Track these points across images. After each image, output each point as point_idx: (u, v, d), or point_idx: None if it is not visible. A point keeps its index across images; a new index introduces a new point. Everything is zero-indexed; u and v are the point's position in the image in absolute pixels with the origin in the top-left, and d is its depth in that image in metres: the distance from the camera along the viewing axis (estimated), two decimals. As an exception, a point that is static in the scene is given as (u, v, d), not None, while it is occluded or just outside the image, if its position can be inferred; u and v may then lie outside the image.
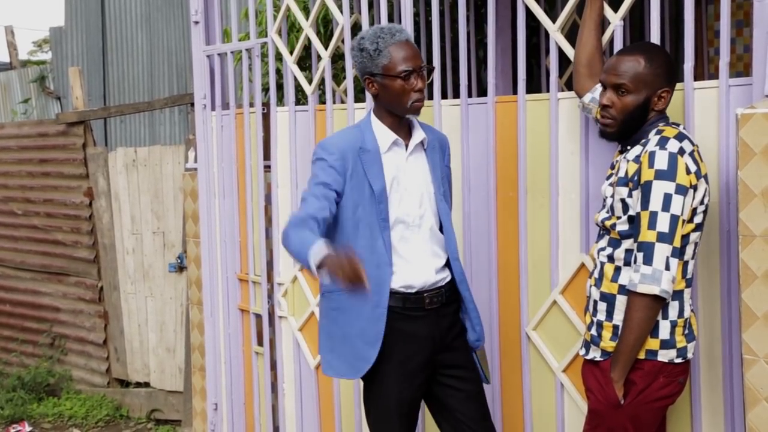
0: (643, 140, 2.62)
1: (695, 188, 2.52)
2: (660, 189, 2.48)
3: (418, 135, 3.01)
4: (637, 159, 2.58)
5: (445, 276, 3.04)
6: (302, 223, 2.77)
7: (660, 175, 2.48)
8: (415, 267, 2.97)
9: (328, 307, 3.03)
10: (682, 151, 2.51)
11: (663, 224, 2.48)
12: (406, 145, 3.00)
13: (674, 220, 2.48)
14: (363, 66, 2.94)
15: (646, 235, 2.50)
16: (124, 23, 9.66)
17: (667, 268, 2.49)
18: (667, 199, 2.48)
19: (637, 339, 2.56)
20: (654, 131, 2.61)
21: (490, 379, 3.22)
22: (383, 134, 2.98)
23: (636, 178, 2.55)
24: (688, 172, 2.50)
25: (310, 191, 2.90)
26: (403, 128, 3.00)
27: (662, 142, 2.52)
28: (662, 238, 2.48)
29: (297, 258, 2.78)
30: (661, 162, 2.49)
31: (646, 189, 2.51)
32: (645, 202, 2.51)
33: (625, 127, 2.68)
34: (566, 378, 3.22)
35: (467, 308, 3.07)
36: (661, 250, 2.49)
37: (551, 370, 3.27)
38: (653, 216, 2.49)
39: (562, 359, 3.23)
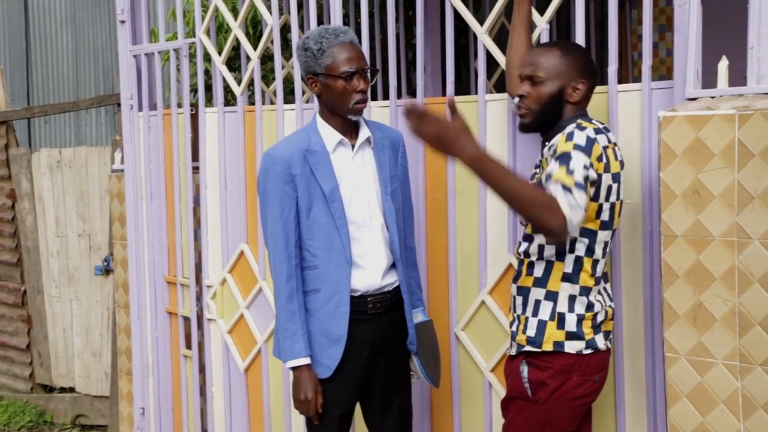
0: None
1: (600, 177, 2.53)
2: (578, 158, 2.45)
3: (364, 134, 3.01)
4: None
5: (393, 281, 3.05)
6: (290, 299, 2.95)
7: (578, 147, 2.47)
8: (363, 269, 2.98)
9: None
10: (597, 141, 2.53)
11: (560, 172, 2.42)
12: (353, 145, 3.00)
13: (570, 170, 2.42)
14: (307, 65, 2.95)
15: (546, 183, 2.44)
16: (48, 22, 9.47)
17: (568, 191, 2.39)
18: (581, 164, 2.44)
19: (509, 189, 2.39)
20: (574, 124, 2.61)
21: (438, 384, 3.22)
22: (329, 135, 2.98)
23: (556, 154, 2.51)
24: (600, 159, 2.51)
25: (272, 231, 2.96)
26: (349, 128, 3.00)
27: (580, 128, 2.54)
28: (557, 178, 2.42)
29: (281, 337, 2.99)
30: (580, 139, 2.50)
31: (564, 156, 2.46)
32: (563, 163, 2.45)
33: (540, 118, 2.70)
34: (494, 378, 3.25)
35: (405, 311, 3.08)
36: (557, 181, 2.41)
37: (480, 370, 3.30)
38: (567, 165, 2.44)
39: (490, 359, 3.26)
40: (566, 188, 2.40)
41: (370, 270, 3.00)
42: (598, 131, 2.58)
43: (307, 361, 2.94)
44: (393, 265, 3.06)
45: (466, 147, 2.42)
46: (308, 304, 2.98)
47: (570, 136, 2.52)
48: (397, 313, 3.07)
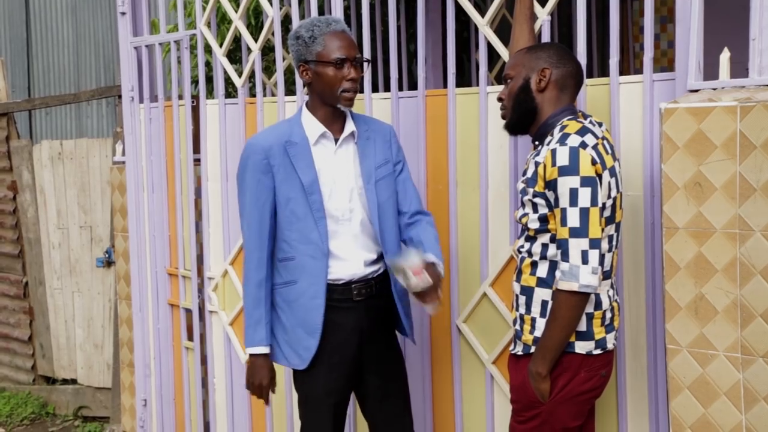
0: (549, 138, 2.63)
1: (601, 177, 2.54)
2: (565, 185, 2.50)
3: (349, 128, 3.00)
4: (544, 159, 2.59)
5: (377, 268, 3.04)
6: (259, 286, 2.99)
7: (563, 171, 2.50)
8: (344, 261, 2.98)
9: (278, 299, 3.04)
10: (584, 145, 2.52)
11: (573, 219, 2.50)
12: (336, 139, 2.99)
13: (584, 213, 2.49)
14: (298, 54, 2.95)
15: (561, 233, 2.53)
16: (49, 13, 9.46)
17: (585, 261, 2.49)
18: (573, 194, 2.49)
19: (560, 333, 2.57)
20: (558, 127, 2.62)
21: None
22: (312, 126, 2.97)
23: (546, 178, 2.57)
24: (594, 162, 2.51)
25: (247, 219, 2.99)
26: (336, 121, 2.99)
27: (563, 139, 2.54)
28: (575, 233, 2.50)
29: (245, 323, 3.03)
30: (563, 158, 2.50)
31: (552, 187, 2.53)
32: (555, 200, 2.54)
33: (516, 113, 2.72)
34: (496, 369, 3.25)
35: (396, 304, 3.07)
36: (576, 245, 2.50)
37: (481, 362, 3.30)
38: (563, 212, 2.51)
39: (491, 351, 3.26)
40: (584, 254, 2.49)
41: (353, 261, 2.99)
42: (584, 131, 2.57)
43: (266, 350, 2.99)
44: (379, 257, 3.05)
45: (544, 377, 2.62)
46: (285, 295, 2.99)
47: (554, 157, 2.52)
48: (383, 300, 3.06)
